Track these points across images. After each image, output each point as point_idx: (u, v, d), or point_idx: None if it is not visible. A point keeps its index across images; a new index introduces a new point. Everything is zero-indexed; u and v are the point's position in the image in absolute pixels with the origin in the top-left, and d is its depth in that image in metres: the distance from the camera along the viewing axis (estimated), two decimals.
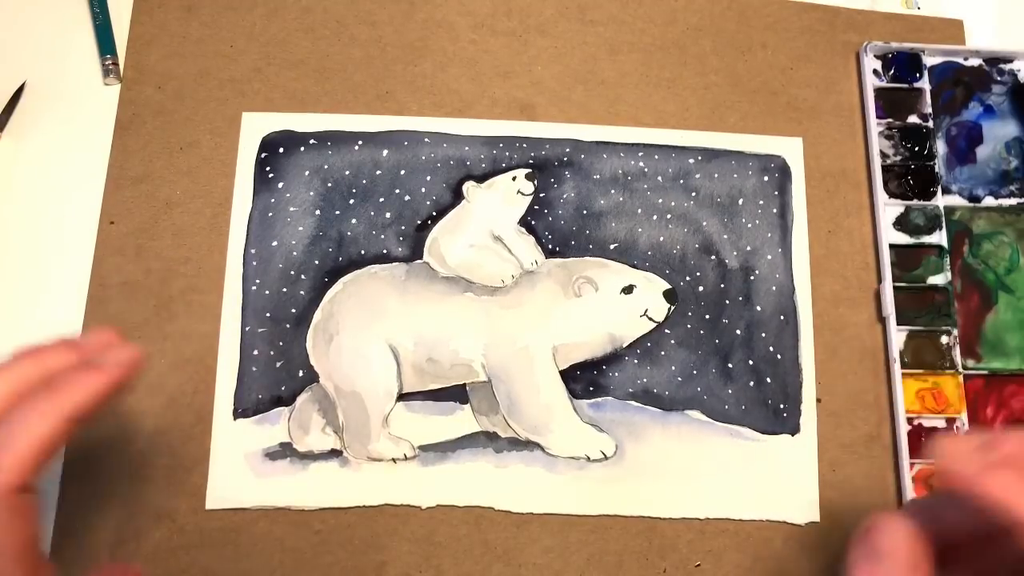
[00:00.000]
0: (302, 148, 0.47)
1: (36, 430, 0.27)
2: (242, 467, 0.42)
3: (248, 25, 0.49)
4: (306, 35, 0.49)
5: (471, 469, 0.43)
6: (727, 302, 0.46)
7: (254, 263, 0.45)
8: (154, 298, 0.44)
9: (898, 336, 0.46)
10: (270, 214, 0.46)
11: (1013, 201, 0.49)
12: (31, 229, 0.46)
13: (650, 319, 0.45)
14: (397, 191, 0.47)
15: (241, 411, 0.43)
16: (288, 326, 0.44)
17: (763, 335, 0.46)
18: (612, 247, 0.47)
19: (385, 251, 0.46)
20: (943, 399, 0.45)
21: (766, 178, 0.48)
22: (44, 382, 0.29)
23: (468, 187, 0.47)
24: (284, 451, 0.43)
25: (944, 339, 0.46)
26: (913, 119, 0.49)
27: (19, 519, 0.27)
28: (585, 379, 0.45)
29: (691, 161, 0.48)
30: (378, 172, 0.47)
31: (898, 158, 0.49)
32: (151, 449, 0.42)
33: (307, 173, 0.47)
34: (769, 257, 0.47)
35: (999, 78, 0.51)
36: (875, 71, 0.50)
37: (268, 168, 0.46)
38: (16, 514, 0.27)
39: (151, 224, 0.45)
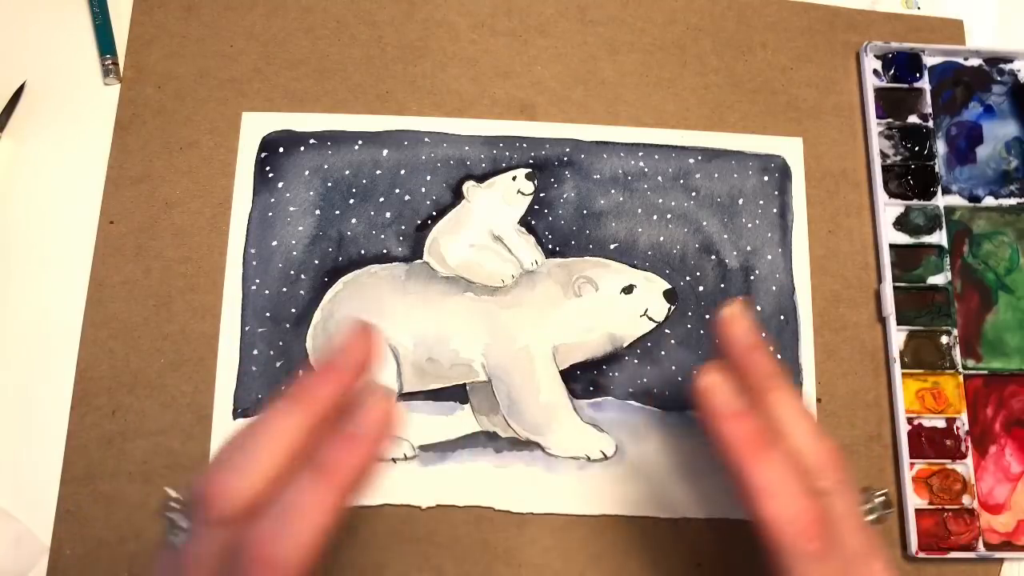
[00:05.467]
0: (302, 148, 0.47)
1: (314, 521, 0.25)
2: None
3: (248, 25, 0.49)
4: (306, 35, 0.49)
5: (471, 469, 0.43)
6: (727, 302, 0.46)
7: (254, 263, 0.45)
8: (154, 298, 0.44)
9: (898, 336, 0.46)
10: (270, 214, 0.46)
11: (1013, 201, 0.49)
12: (31, 229, 0.45)
13: (650, 319, 0.45)
14: (397, 191, 0.47)
15: (241, 411, 0.43)
16: (288, 326, 0.44)
17: (763, 335, 0.46)
18: (612, 247, 0.47)
19: (385, 251, 0.46)
20: (943, 399, 0.45)
21: (766, 178, 0.48)
22: (309, 451, 0.26)
23: (468, 187, 0.47)
24: None
25: (944, 339, 0.46)
26: (913, 119, 0.49)
27: None
28: (585, 379, 0.45)
29: (691, 161, 0.48)
30: (378, 172, 0.47)
31: (898, 158, 0.49)
32: (151, 449, 0.42)
33: (307, 173, 0.47)
34: (769, 257, 0.47)
35: (999, 78, 0.51)
36: (875, 71, 0.50)
37: (268, 168, 0.46)
38: None
39: (151, 224, 0.45)
